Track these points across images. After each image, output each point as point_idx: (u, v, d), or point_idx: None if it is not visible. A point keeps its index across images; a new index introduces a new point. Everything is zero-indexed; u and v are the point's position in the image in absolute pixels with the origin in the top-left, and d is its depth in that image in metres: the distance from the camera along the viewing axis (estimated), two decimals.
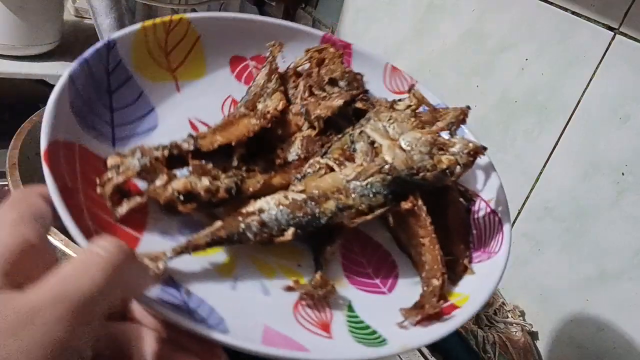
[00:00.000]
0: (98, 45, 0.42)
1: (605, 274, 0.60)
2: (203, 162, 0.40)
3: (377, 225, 0.43)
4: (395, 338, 0.36)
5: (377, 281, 0.41)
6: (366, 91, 0.50)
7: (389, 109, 0.45)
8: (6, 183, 0.54)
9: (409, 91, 0.47)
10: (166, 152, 0.39)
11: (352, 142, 0.44)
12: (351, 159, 0.43)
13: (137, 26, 0.45)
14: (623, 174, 0.59)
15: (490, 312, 0.67)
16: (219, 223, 0.37)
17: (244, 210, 0.38)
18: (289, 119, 0.46)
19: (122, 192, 0.37)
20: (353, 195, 0.39)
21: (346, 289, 0.39)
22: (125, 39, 0.44)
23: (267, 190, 0.40)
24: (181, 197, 0.37)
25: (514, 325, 0.66)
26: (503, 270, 0.40)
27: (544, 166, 0.66)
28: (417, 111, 0.45)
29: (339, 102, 0.46)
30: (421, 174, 0.40)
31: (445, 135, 0.44)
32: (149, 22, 0.46)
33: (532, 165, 0.68)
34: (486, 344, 0.63)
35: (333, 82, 0.50)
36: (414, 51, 0.84)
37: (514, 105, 0.69)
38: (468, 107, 0.46)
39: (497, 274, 0.40)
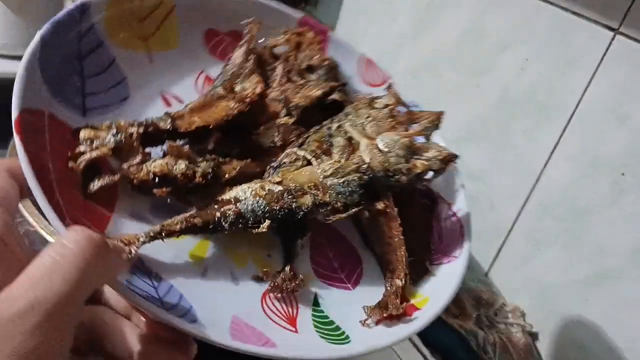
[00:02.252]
0: (71, 7, 0.40)
1: (605, 274, 0.60)
2: (180, 143, 0.40)
3: (344, 220, 0.43)
4: (359, 337, 0.36)
5: (342, 276, 0.41)
6: (345, 84, 0.49)
7: (367, 105, 0.45)
8: None
9: (387, 89, 0.47)
10: (141, 129, 0.38)
11: (330, 135, 0.43)
12: (328, 152, 0.43)
13: None
14: (623, 174, 0.59)
15: (490, 313, 0.67)
16: (194, 210, 0.37)
17: (219, 198, 0.38)
18: (265, 103, 0.45)
19: (94, 167, 0.36)
20: (330, 192, 0.39)
21: (312, 281, 0.39)
22: (99, 3, 0.42)
23: (242, 176, 0.40)
24: (156, 180, 0.36)
25: (515, 325, 0.66)
26: (462, 276, 0.41)
27: (544, 166, 0.66)
28: (393, 110, 0.45)
29: (317, 92, 0.46)
30: (396, 177, 0.40)
31: (419, 139, 0.44)
32: None
33: (532, 165, 0.68)
34: (486, 345, 0.63)
35: (311, 69, 0.49)
36: (413, 51, 0.84)
37: (514, 105, 0.69)
38: (442, 112, 0.45)
39: (455, 280, 0.40)
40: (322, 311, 0.37)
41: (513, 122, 0.70)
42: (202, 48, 0.49)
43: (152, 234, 0.34)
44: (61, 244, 0.24)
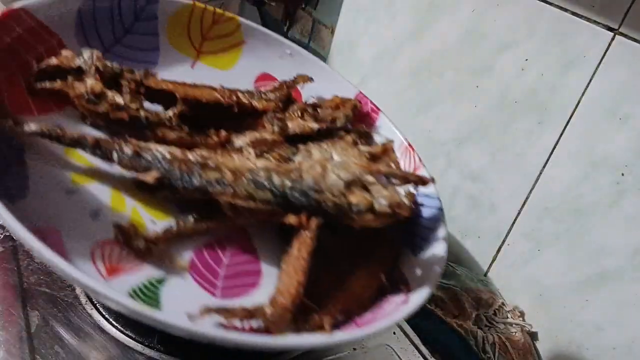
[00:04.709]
0: None
1: (605, 274, 0.60)
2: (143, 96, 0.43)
3: (266, 234, 0.40)
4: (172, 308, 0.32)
5: (217, 282, 0.36)
6: (368, 134, 0.48)
7: (351, 144, 0.43)
8: None
9: (386, 144, 0.45)
10: (116, 69, 0.41)
11: (294, 153, 0.42)
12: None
13: (187, 1, 0.48)
14: (623, 174, 0.59)
15: (490, 313, 0.67)
16: (100, 135, 0.38)
17: (133, 140, 0.38)
18: (261, 120, 0.46)
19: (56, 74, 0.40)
20: (243, 179, 0.36)
21: (182, 272, 0.35)
22: (170, 4, 0.47)
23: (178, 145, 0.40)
24: (90, 96, 0.39)
25: (514, 325, 0.66)
26: (324, 345, 0.37)
27: (544, 166, 0.66)
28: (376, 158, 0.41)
29: (314, 125, 0.46)
30: (323, 195, 0.36)
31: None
32: (200, 4, 0.49)
33: (532, 165, 0.67)
34: (486, 345, 0.63)
35: (333, 121, 0.48)
36: (413, 51, 0.84)
37: (514, 105, 0.69)
38: (432, 179, 0.39)
39: (316, 343, 0.33)
40: (157, 291, 0.33)
41: (513, 122, 0.70)
42: (250, 82, 0.52)
43: (44, 129, 0.36)
44: None
